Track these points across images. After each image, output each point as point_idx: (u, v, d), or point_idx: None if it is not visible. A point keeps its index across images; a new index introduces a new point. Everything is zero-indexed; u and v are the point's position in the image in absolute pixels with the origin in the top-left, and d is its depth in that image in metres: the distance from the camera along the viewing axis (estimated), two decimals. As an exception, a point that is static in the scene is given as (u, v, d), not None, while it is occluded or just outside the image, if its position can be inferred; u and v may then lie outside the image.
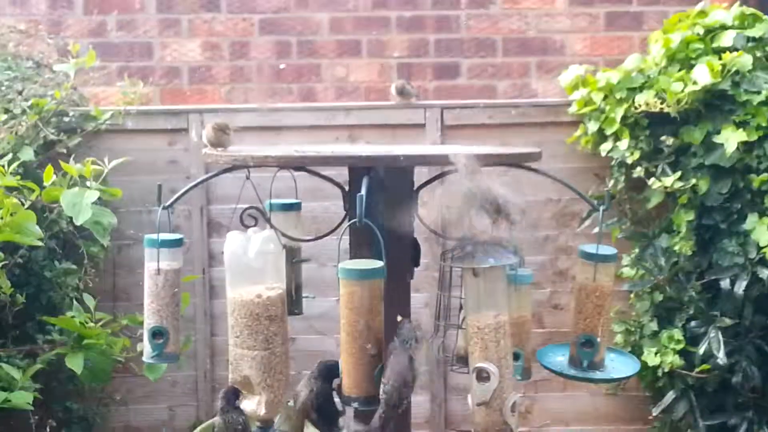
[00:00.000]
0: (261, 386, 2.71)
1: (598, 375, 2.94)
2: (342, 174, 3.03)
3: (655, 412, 4.64)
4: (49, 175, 3.74)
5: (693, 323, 4.46)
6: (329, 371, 2.82)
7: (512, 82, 5.40)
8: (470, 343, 2.75)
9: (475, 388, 2.74)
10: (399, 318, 2.67)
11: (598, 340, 2.88)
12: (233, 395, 2.76)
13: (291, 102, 5.34)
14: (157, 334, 2.77)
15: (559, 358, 3.00)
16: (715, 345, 4.34)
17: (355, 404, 2.59)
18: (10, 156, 3.96)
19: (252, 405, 2.74)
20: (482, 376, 2.72)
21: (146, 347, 2.80)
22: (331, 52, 5.48)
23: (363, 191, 2.57)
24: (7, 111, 4.32)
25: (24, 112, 4.35)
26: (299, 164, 2.82)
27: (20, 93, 4.45)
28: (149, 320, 2.78)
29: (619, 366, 3.01)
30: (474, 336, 2.74)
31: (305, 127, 4.85)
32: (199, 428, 2.98)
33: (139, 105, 4.78)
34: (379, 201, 2.78)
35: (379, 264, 2.54)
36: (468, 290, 2.78)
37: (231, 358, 2.75)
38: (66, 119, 4.61)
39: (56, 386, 4.53)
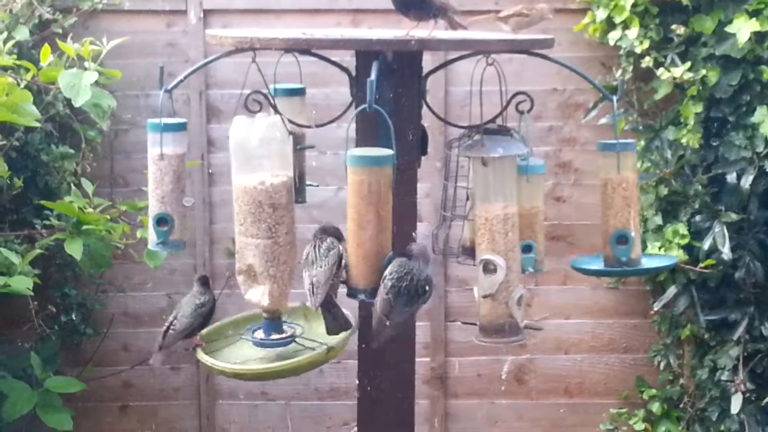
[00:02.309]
0: (264, 276, 2.68)
1: (637, 267, 2.90)
2: (345, 60, 2.96)
3: (656, 306, 4.66)
4: (46, 55, 3.65)
5: (698, 218, 4.45)
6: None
7: (516, -32, 5.26)
8: (477, 234, 2.73)
9: (481, 281, 2.72)
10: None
11: (632, 233, 2.82)
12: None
13: (291, -15, 5.20)
14: (161, 221, 2.71)
15: (593, 268, 2.95)
16: (719, 240, 4.33)
17: (362, 296, 2.55)
18: (4, 35, 3.86)
19: (257, 295, 2.72)
20: (489, 268, 2.70)
21: (151, 235, 2.75)
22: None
23: (373, 76, 2.49)
24: (1, -12, 4.22)
25: (18, -11, 4.24)
26: (307, 47, 2.73)
27: (14, -30, 4.34)
28: (153, 207, 2.72)
29: (652, 262, 2.98)
30: (481, 227, 2.71)
31: (306, 10, 4.74)
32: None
33: (135, -15, 4.66)
34: (388, 88, 2.72)
35: (389, 151, 2.48)
36: (476, 180, 2.75)
37: (237, 247, 2.72)
38: (61, -3, 4.50)
39: (54, 272, 4.54)
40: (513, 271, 2.70)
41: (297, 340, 2.82)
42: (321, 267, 2.58)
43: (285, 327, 2.83)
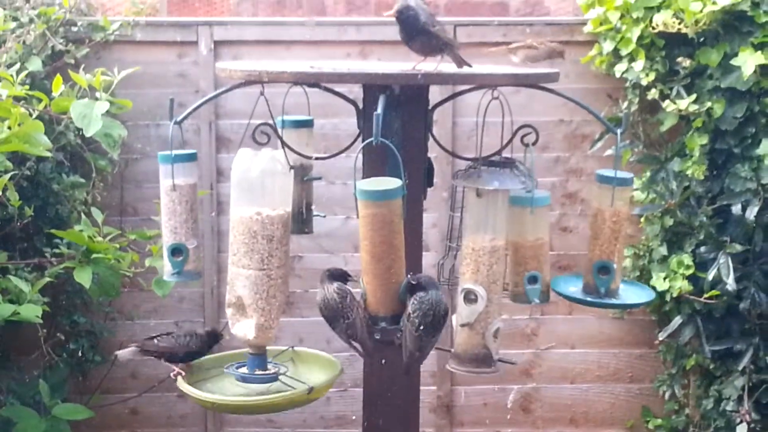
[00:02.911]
0: (252, 308, 2.69)
1: (614, 301, 2.93)
2: (353, 91, 2.99)
3: (662, 336, 4.67)
4: (58, 86, 3.69)
5: (702, 248, 4.46)
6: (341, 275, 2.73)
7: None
8: (462, 263, 2.77)
9: (461, 309, 2.76)
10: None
11: (615, 266, 2.86)
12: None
13: (300, 16, 5.26)
14: (176, 251, 2.75)
15: (572, 289, 2.98)
16: (724, 271, 4.34)
17: (383, 323, 2.57)
18: (18, 66, 3.90)
19: (244, 328, 2.73)
20: (470, 297, 2.74)
21: (166, 265, 2.78)
22: (341, -34, 5.39)
23: (379, 110, 2.53)
24: (14, 19, 4.27)
25: (32, 20, 4.30)
26: (315, 81, 2.77)
27: (27, 1, 4.39)
28: (167, 238, 2.76)
29: (631, 294, 3.00)
30: (467, 257, 2.75)
31: (315, 42, 4.78)
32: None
33: (146, 16, 4.71)
34: (395, 120, 2.75)
35: (398, 183, 2.51)
36: (469, 210, 2.79)
37: (228, 278, 2.73)
38: (74, 29, 4.55)
39: (64, 300, 4.56)
40: (493, 303, 2.74)
41: (281, 378, 2.82)
42: (349, 318, 2.58)
43: (270, 366, 2.83)
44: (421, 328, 2.54)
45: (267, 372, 2.80)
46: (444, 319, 2.60)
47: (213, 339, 3.02)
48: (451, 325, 2.83)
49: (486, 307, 2.72)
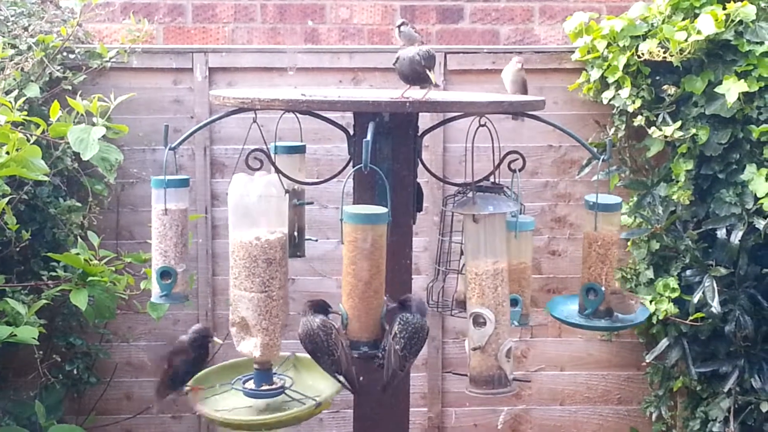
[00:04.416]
0: (256, 328, 2.76)
1: (603, 323, 3.00)
2: (345, 117, 3.06)
3: (649, 358, 4.72)
4: (56, 111, 3.76)
5: (688, 272, 4.53)
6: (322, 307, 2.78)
7: (515, 27, 5.39)
8: (468, 288, 2.82)
9: (471, 333, 2.81)
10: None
11: (603, 288, 2.94)
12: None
13: (294, 43, 5.33)
14: (165, 274, 2.82)
15: (572, 307, 3.06)
16: (709, 294, 4.41)
17: (365, 348, 2.63)
18: (16, 92, 3.97)
19: (249, 347, 2.80)
20: (479, 321, 2.79)
21: (154, 287, 2.84)
22: (335, -6, 5.47)
23: (369, 137, 2.60)
24: (13, 47, 4.33)
25: (30, 48, 4.35)
26: (306, 108, 2.84)
27: (26, 29, 4.45)
28: (157, 261, 2.82)
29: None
30: (472, 282, 2.80)
31: (309, 68, 4.85)
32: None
33: (143, 43, 4.77)
34: (384, 146, 2.82)
35: (384, 209, 2.58)
36: (468, 236, 2.85)
37: (231, 299, 2.80)
38: (71, 56, 4.61)
39: (60, 322, 4.60)
40: (502, 324, 2.79)
41: (287, 391, 2.88)
42: (334, 355, 2.63)
43: (275, 378, 2.89)
44: (407, 349, 2.61)
45: (273, 387, 2.87)
46: (424, 342, 2.66)
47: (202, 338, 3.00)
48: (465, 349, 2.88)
49: (495, 329, 2.78)
